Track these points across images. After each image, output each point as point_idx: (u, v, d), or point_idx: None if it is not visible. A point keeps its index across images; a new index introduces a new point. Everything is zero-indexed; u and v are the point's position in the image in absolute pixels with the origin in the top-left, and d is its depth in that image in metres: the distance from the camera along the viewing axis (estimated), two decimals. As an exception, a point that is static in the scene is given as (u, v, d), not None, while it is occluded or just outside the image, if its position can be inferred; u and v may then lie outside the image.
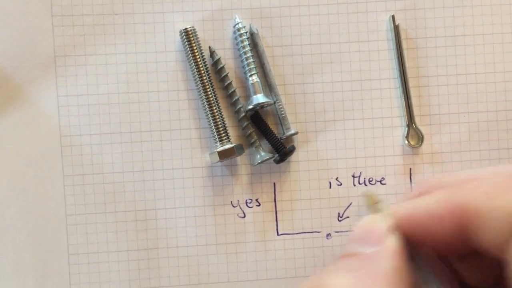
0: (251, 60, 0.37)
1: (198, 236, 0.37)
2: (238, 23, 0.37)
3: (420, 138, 0.38)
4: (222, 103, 0.37)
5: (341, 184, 0.38)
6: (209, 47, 0.37)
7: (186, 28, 0.36)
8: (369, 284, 0.21)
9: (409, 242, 0.24)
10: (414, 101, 0.38)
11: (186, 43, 0.36)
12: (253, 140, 0.37)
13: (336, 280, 0.21)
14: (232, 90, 0.37)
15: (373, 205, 0.32)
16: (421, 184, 0.26)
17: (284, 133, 0.37)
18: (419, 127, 0.38)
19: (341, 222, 0.38)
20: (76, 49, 0.37)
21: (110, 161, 0.37)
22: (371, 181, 0.38)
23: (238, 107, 0.37)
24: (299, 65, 0.38)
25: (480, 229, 0.21)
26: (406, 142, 0.38)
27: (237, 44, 0.37)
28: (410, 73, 0.38)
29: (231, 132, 0.37)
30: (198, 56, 0.36)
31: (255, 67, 0.37)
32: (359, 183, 0.38)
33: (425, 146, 0.38)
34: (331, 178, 0.38)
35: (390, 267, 0.22)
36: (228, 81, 0.37)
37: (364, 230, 0.24)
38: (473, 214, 0.21)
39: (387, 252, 0.22)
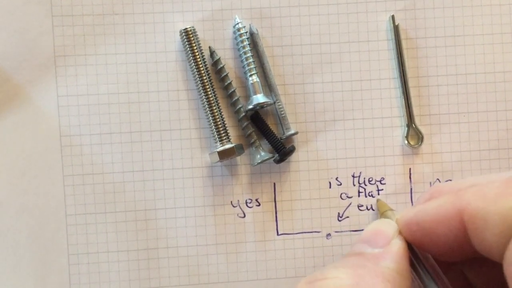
0: (251, 60, 0.37)
1: (198, 236, 0.37)
2: (238, 23, 0.37)
3: (420, 138, 0.38)
4: (222, 103, 0.37)
5: (341, 184, 0.38)
6: (209, 47, 0.37)
7: (186, 28, 0.36)
8: (368, 280, 0.21)
9: (414, 249, 0.24)
10: (414, 101, 0.38)
11: (186, 43, 0.36)
12: (253, 140, 0.37)
13: (336, 273, 0.21)
14: (232, 90, 0.37)
15: (384, 212, 0.32)
16: (430, 190, 0.26)
17: (284, 133, 0.37)
18: (419, 127, 0.38)
19: (341, 222, 0.38)
20: (76, 49, 0.37)
21: (110, 161, 0.37)
22: (370, 181, 0.38)
23: (238, 107, 0.37)
24: (299, 65, 0.38)
25: (479, 233, 0.21)
26: (406, 142, 0.38)
27: (237, 44, 0.37)
28: (410, 73, 0.38)
29: (231, 132, 0.37)
30: (198, 56, 0.36)
31: (255, 67, 0.37)
32: (359, 183, 0.38)
33: (424, 146, 0.38)
34: (331, 178, 0.38)
35: (392, 268, 0.22)
36: (228, 81, 0.37)
37: (371, 232, 0.24)
38: (472, 218, 0.21)
39: (391, 253, 0.23)
